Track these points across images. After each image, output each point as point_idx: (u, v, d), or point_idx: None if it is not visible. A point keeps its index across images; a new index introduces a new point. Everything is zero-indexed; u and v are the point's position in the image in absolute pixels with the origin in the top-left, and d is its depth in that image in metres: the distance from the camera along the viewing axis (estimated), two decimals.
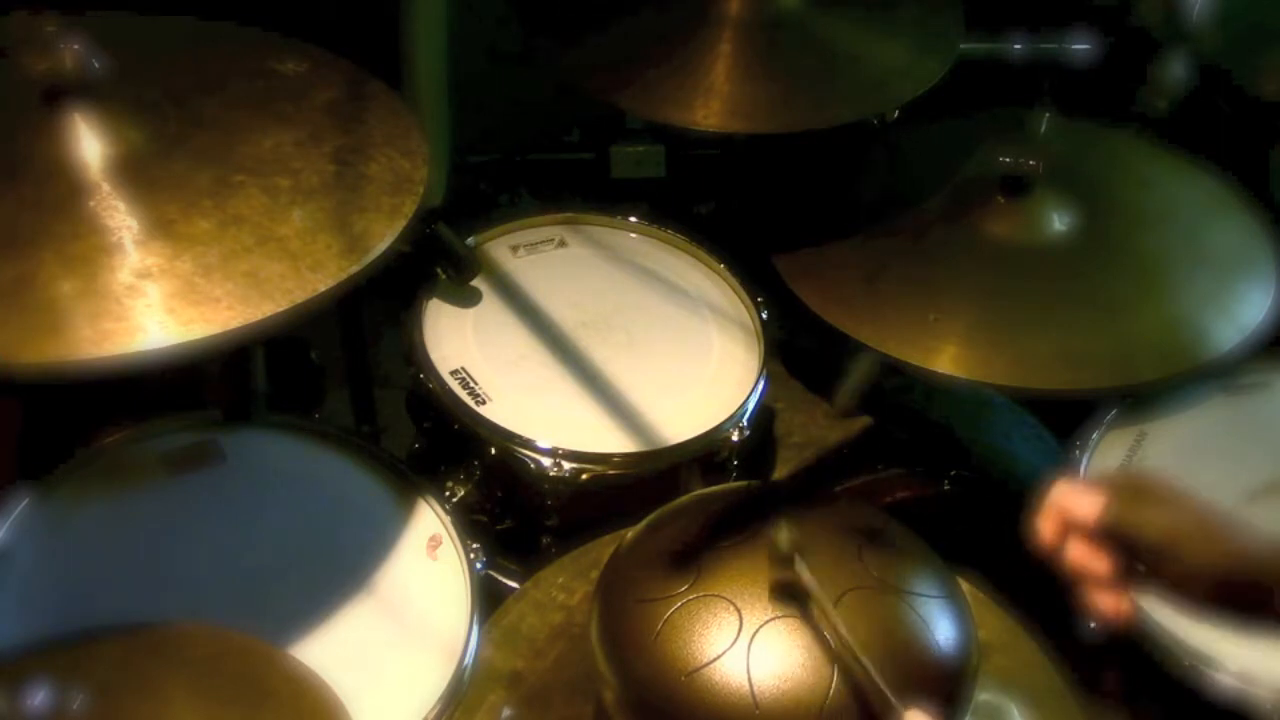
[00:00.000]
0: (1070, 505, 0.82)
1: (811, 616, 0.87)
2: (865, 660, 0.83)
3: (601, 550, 1.12)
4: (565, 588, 1.15)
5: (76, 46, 1.06)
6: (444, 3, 1.74)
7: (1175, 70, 1.52)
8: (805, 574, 0.86)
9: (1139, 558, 0.80)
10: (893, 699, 0.81)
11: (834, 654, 0.85)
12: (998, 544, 1.32)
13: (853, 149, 1.55)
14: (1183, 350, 1.28)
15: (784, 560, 0.87)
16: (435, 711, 1.06)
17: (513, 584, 1.23)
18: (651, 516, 1.00)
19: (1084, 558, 0.81)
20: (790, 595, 0.87)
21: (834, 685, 0.85)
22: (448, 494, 1.31)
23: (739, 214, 1.98)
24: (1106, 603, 0.81)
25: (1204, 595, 0.78)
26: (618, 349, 1.42)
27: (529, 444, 1.28)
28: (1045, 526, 0.82)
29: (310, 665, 1.04)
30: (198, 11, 1.29)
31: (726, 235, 1.58)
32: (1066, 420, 1.36)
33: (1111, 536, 0.80)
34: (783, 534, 0.87)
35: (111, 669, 0.99)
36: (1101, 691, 1.18)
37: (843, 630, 0.84)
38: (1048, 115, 1.38)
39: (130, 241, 1.01)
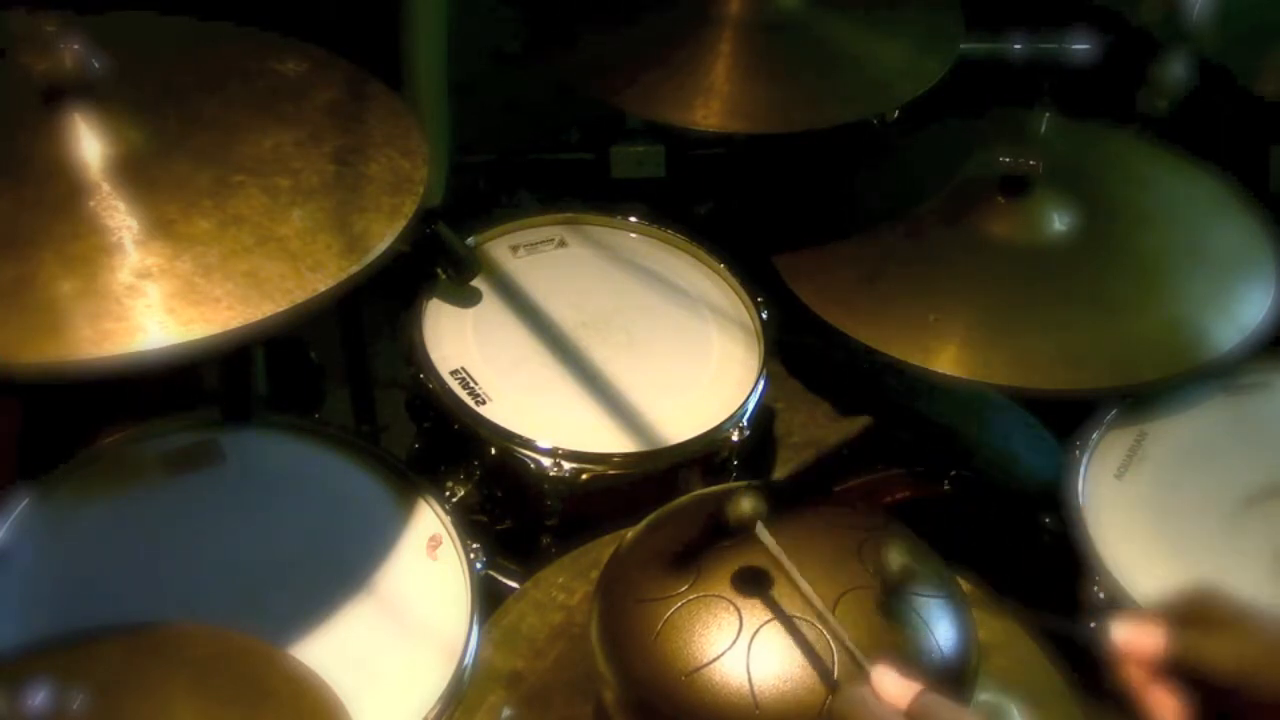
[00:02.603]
0: (1132, 645, 0.75)
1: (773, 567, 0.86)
2: (833, 621, 0.82)
3: (601, 550, 1.12)
4: (565, 588, 1.15)
5: (76, 46, 1.06)
6: (444, 3, 1.74)
7: (1175, 70, 1.52)
8: (766, 538, 0.85)
9: (1213, 690, 0.73)
10: (860, 658, 0.80)
11: (817, 628, 0.85)
12: (998, 544, 1.32)
13: (853, 149, 1.55)
14: (1183, 350, 1.28)
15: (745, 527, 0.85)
16: (435, 711, 1.06)
17: (513, 584, 1.23)
18: (651, 516, 1.00)
19: (1160, 703, 0.74)
20: (752, 577, 0.87)
21: (834, 685, 0.85)
22: (448, 494, 1.31)
23: (739, 214, 1.99)
24: None
25: None
26: (618, 349, 1.42)
27: (529, 444, 1.28)
28: (1127, 674, 0.75)
29: (310, 665, 1.04)
30: (198, 11, 1.29)
31: (726, 235, 1.58)
32: (1066, 420, 1.36)
33: (1179, 672, 0.74)
34: (742, 503, 0.85)
35: (111, 669, 0.99)
36: (1101, 691, 1.18)
37: (808, 590, 0.83)
38: (1048, 115, 1.38)
39: (130, 241, 1.01)
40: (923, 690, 0.75)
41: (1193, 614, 0.75)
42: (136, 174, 1.06)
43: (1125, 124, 1.55)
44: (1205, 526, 1.24)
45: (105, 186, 1.04)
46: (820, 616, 0.83)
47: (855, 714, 0.75)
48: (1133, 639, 0.75)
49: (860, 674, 0.78)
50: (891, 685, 0.76)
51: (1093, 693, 1.11)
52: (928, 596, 0.91)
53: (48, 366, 0.92)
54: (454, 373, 1.35)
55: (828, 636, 0.84)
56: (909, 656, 0.87)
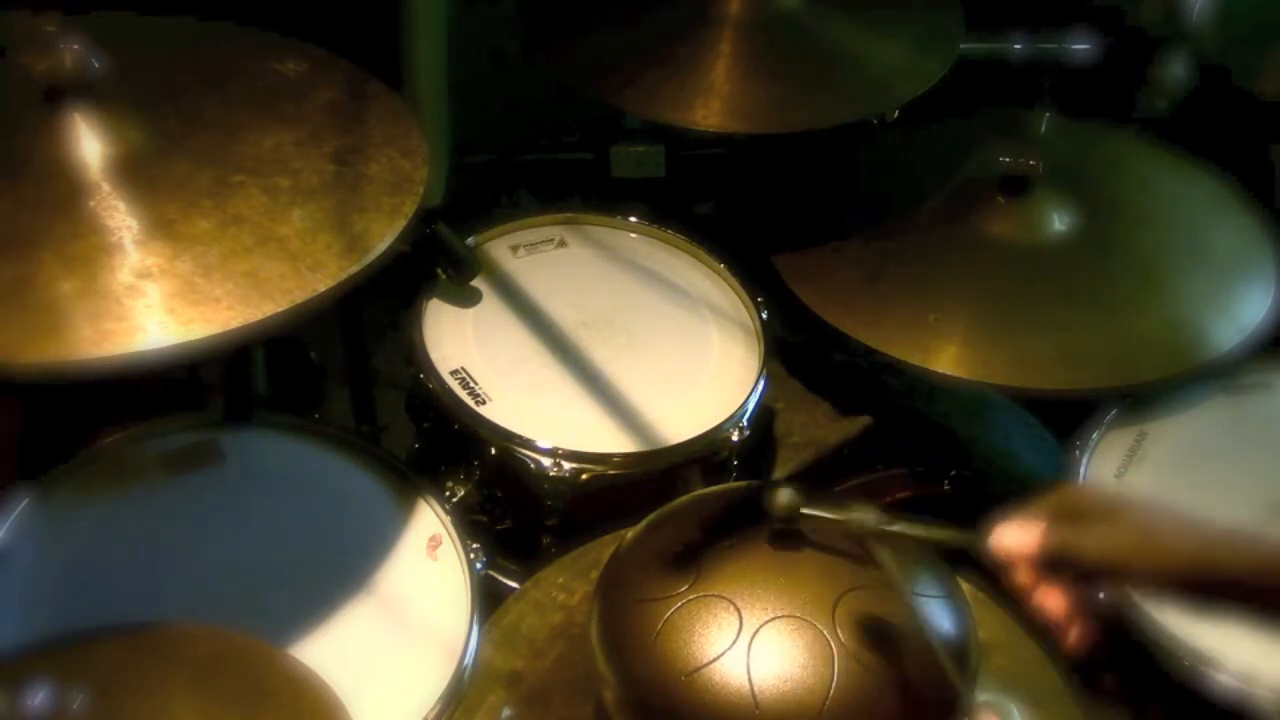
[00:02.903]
0: (1010, 545, 0.80)
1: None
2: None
3: (601, 550, 1.12)
4: (565, 588, 1.15)
5: (76, 46, 1.06)
6: (444, 3, 1.74)
7: (1175, 70, 1.52)
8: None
9: (1089, 579, 0.78)
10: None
11: (834, 644, 0.85)
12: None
13: (853, 149, 1.55)
14: (1183, 350, 1.28)
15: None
16: (435, 711, 1.06)
17: (513, 584, 1.23)
18: (651, 516, 1.00)
19: (1043, 597, 0.79)
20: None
21: (834, 685, 0.85)
22: (448, 494, 1.31)
23: (739, 214, 1.99)
24: (1072, 635, 0.79)
25: (1170, 594, 0.76)
26: (618, 349, 1.42)
27: (529, 444, 1.28)
28: (1015, 574, 0.80)
29: (310, 665, 1.04)
30: (198, 11, 1.29)
31: (726, 235, 1.58)
32: (1066, 420, 1.36)
33: (1056, 564, 0.78)
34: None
35: (111, 669, 0.99)
36: (1101, 691, 1.18)
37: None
38: (1048, 115, 1.39)
39: (130, 241, 1.01)
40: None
41: (1065, 510, 0.79)
42: (136, 174, 1.06)
43: (1125, 124, 1.55)
44: None
45: (105, 186, 1.04)
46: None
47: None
48: (1012, 540, 0.79)
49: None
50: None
51: (1093, 693, 1.11)
52: (928, 596, 0.91)
53: (48, 366, 0.92)
54: (454, 373, 1.35)
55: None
56: (909, 656, 0.87)
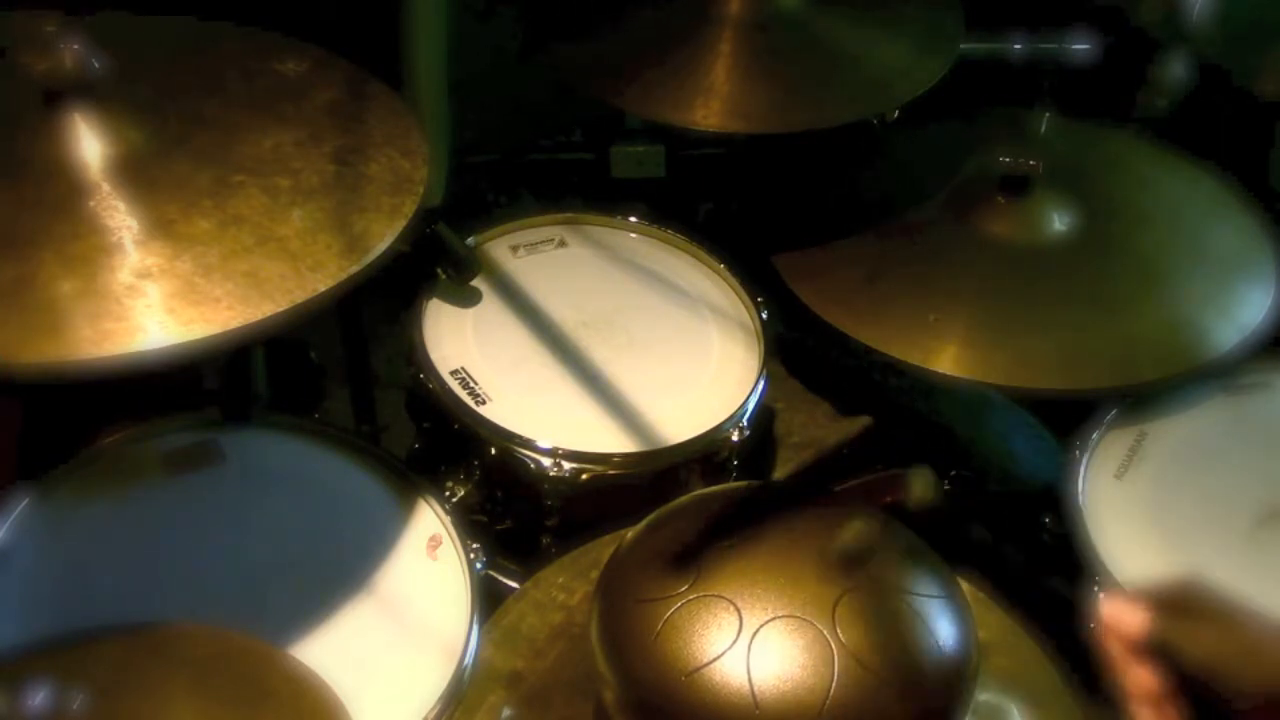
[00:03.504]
0: (1116, 621, 0.77)
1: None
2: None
3: (601, 550, 1.12)
4: (565, 588, 1.15)
5: (76, 46, 1.06)
6: (444, 3, 1.73)
7: (1175, 70, 1.52)
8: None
9: (1185, 677, 0.75)
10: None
11: (835, 645, 0.85)
12: (997, 544, 1.32)
13: (853, 149, 1.55)
14: (1183, 350, 1.28)
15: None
16: (435, 711, 1.06)
17: (513, 584, 1.23)
18: (651, 516, 1.00)
19: (1134, 676, 0.77)
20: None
21: (834, 685, 0.85)
22: (448, 494, 1.31)
23: (739, 214, 1.99)
24: (1150, 718, 0.77)
25: (1259, 711, 0.76)
26: (618, 349, 1.42)
27: (529, 444, 1.28)
28: (1109, 646, 0.78)
29: (310, 665, 1.04)
30: (198, 11, 1.29)
31: (726, 235, 1.58)
32: (1066, 420, 1.36)
33: (1158, 655, 0.76)
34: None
35: (111, 669, 0.99)
36: (1101, 691, 1.18)
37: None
38: (1048, 115, 1.39)
39: (130, 241, 1.01)
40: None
41: (1179, 602, 0.77)
42: (136, 174, 1.06)
43: (1125, 124, 1.55)
44: (1205, 526, 1.24)
45: (105, 186, 1.04)
46: None
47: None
48: (1118, 616, 0.77)
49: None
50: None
51: (1093, 693, 1.11)
52: (928, 596, 0.91)
53: (48, 366, 0.92)
54: (454, 373, 1.35)
55: None
56: (909, 656, 0.87)
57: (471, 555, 1.19)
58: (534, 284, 1.49)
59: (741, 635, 0.87)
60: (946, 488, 1.53)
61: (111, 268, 0.98)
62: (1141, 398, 1.35)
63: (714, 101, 1.35)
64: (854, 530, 0.88)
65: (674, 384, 1.39)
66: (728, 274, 1.53)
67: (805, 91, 1.40)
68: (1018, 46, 1.39)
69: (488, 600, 1.15)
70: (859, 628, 0.86)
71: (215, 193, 1.07)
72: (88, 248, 0.99)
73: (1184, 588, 0.78)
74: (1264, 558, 1.21)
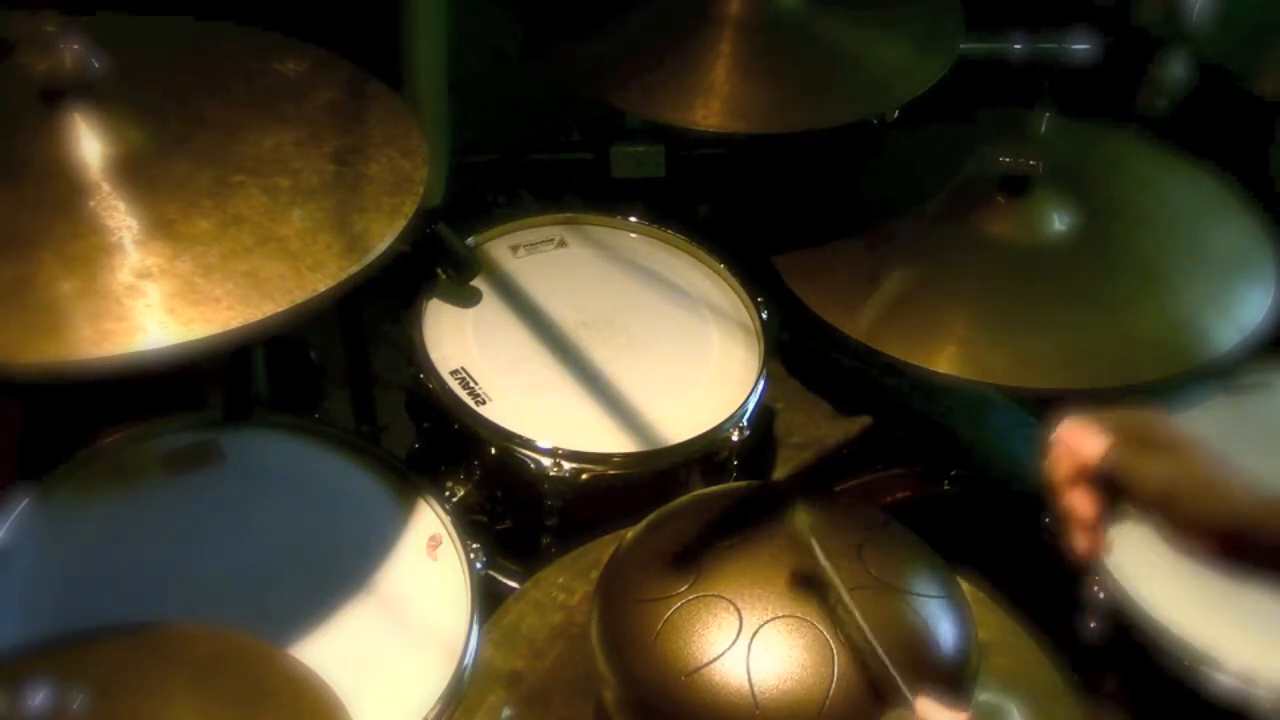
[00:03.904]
0: (1075, 445, 0.80)
1: (827, 603, 0.87)
2: (878, 647, 0.83)
3: (601, 550, 1.12)
4: (565, 588, 1.15)
5: (76, 46, 1.06)
6: (444, 3, 1.73)
7: (1175, 70, 1.52)
8: (822, 559, 0.86)
9: (1134, 504, 0.78)
10: (903, 686, 0.81)
11: (843, 641, 0.85)
12: (998, 544, 1.32)
13: (853, 149, 1.55)
14: (1183, 350, 1.28)
15: (803, 548, 0.87)
16: (435, 711, 1.06)
17: (513, 584, 1.23)
18: (651, 516, 1.00)
19: (1076, 500, 0.80)
20: (807, 583, 0.88)
21: (834, 685, 0.85)
22: (448, 494, 1.31)
23: (738, 214, 1.98)
24: (1082, 541, 0.80)
25: (1201, 546, 0.76)
26: (618, 349, 1.42)
27: (529, 444, 1.28)
28: (1058, 466, 0.81)
29: (310, 665, 1.04)
30: (198, 11, 1.29)
31: (726, 235, 1.58)
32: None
33: (1108, 481, 0.79)
34: (801, 520, 0.87)
35: (111, 669, 0.99)
36: (1101, 691, 1.18)
37: (857, 615, 0.84)
38: (1048, 115, 1.38)
39: (130, 241, 1.01)
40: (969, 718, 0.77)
41: (1138, 432, 0.80)
42: (136, 174, 1.06)
43: (1125, 124, 1.55)
44: None
45: (105, 186, 1.04)
46: (869, 641, 0.84)
47: None
48: (1078, 438, 0.80)
49: (902, 701, 0.80)
50: (935, 714, 0.77)
51: (1093, 693, 1.11)
52: (928, 596, 0.91)
53: (48, 366, 0.92)
54: (454, 373, 1.35)
55: (870, 659, 0.84)
56: (909, 656, 0.87)
57: (471, 555, 1.19)
58: (534, 284, 1.49)
59: (741, 635, 0.87)
60: (946, 488, 1.53)
61: (111, 268, 0.98)
62: (1141, 398, 1.35)
63: (714, 101, 1.35)
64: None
65: (674, 384, 1.39)
66: (728, 274, 1.53)
67: (805, 91, 1.39)
68: (1018, 46, 1.39)
69: (488, 600, 1.15)
70: (859, 628, 0.86)
71: (215, 193, 1.07)
72: (88, 248, 0.99)
73: (1144, 419, 0.80)
74: None
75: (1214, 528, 0.76)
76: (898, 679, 0.82)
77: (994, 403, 1.66)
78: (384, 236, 1.08)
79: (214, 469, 1.25)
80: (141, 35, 1.26)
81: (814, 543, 0.88)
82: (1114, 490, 0.79)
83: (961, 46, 1.45)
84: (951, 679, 0.88)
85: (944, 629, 0.89)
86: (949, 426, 1.60)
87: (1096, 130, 1.54)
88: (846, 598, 0.86)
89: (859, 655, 0.85)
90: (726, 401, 1.36)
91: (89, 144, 1.06)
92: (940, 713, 0.78)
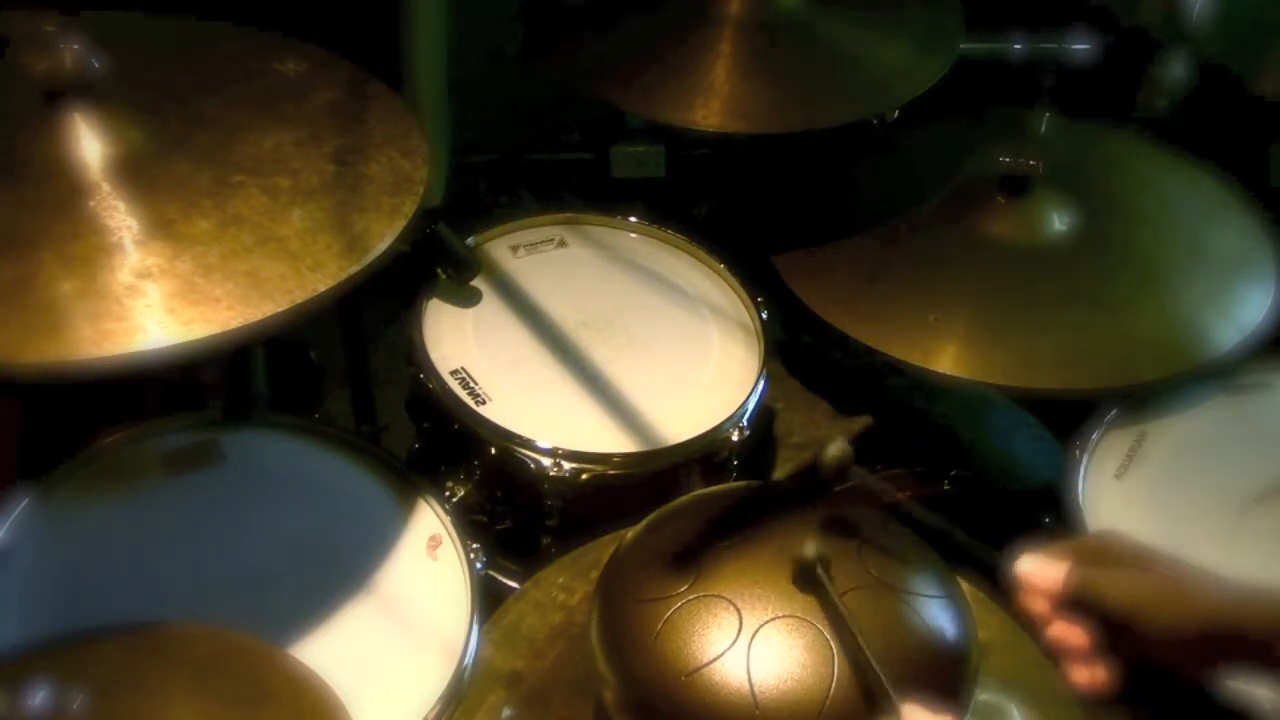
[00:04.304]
0: (1035, 578, 0.80)
1: (824, 604, 0.87)
2: (866, 651, 0.83)
3: (601, 550, 1.12)
4: (565, 588, 1.15)
5: (76, 46, 1.06)
6: (444, 3, 1.73)
7: (1175, 70, 1.52)
8: (820, 563, 0.87)
9: (1109, 625, 0.78)
10: (891, 691, 0.81)
11: (835, 645, 0.85)
12: (998, 544, 1.32)
13: (853, 149, 1.55)
14: (1183, 350, 1.28)
15: (804, 551, 0.87)
16: (435, 711, 1.06)
17: (513, 584, 1.23)
18: (651, 516, 1.00)
19: (1061, 632, 0.79)
20: (807, 583, 0.88)
21: (834, 685, 0.85)
22: (448, 494, 1.31)
23: (739, 214, 1.99)
24: (1083, 674, 0.79)
25: (1185, 656, 0.76)
26: (618, 349, 1.42)
27: (529, 444, 1.28)
28: (1029, 603, 0.81)
29: (310, 665, 1.04)
30: (198, 11, 1.29)
31: (726, 235, 1.58)
32: (1066, 420, 1.36)
33: (1079, 605, 0.78)
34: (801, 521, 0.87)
35: (111, 669, 0.99)
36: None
37: (846, 616, 0.84)
38: (1048, 115, 1.39)
39: (130, 241, 1.01)
40: None
41: (1093, 552, 0.80)
42: (136, 174, 1.06)
43: (1125, 124, 1.55)
44: (1205, 526, 1.24)
45: (105, 186, 1.04)
46: (858, 644, 0.84)
47: None
48: (1036, 571, 0.80)
49: (891, 709, 0.79)
50: None
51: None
52: (928, 596, 0.91)
53: (48, 366, 0.92)
54: (454, 373, 1.35)
55: (862, 664, 0.85)
56: (909, 657, 0.87)
57: (471, 555, 1.19)
58: (534, 284, 1.49)
59: (741, 635, 0.87)
60: (946, 488, 1.53)
61: (111, 268, 0.98)
62: (1141, 398, 1.35)
63: (714, 101, 1.35)
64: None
65: (674, 384, 1.39)
66: (728, 274, 1.53)
67: (805, 91, 1.40)
68: (1018, 46, 1.39)
69: (488, 600, 1.15)
70: (859, 628, 0.86)
71: (215, 193, 1.07)
72: (88, 248, 0.99)
73: (1097, 538, 0.82)
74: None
75: (1188, 633, 0.75)
76: (885, 683, 0.82)
77: (994, 403, 1.66)
78: (384, 236, 1.08)
79: (214, 469, 1.25)
80: (141, 35, 1.26)
81: (814, 542, 0.88)
82: (1095, 616, 0.79)
83: (961, 46, 1.45)
84: (951, 679, 0.88)
85: (944, 629, 0.89)
86: (949, 426, 1.61)
87: (1096, 130, 1.54)
88: (840, 599, 0.86)
89: (857, 656, 0.85)
90: (726, 401, 1.36)
91: (89, 144, 1.06)
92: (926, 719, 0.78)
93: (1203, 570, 0.77)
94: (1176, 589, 0.77)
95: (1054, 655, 0.81)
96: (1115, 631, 0.78)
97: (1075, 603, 0.78)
